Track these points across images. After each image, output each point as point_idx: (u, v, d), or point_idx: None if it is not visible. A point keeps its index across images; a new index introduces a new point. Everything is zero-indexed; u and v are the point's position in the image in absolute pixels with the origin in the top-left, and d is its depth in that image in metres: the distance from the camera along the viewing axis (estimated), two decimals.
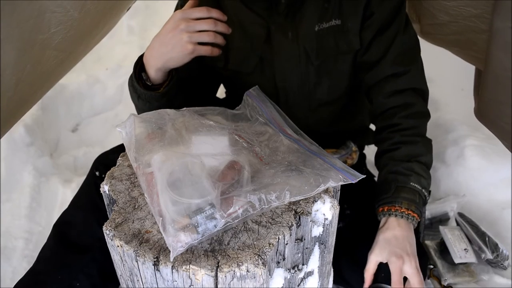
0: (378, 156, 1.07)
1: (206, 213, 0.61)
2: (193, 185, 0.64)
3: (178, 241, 0.59)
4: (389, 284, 0.92)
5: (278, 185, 0.68)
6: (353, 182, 0.71)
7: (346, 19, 1.00)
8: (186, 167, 0.67)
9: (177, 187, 0.64)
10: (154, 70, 0.94)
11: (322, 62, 1.03)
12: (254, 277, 0.60)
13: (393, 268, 0.90)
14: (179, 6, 1.08)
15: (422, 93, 1.05)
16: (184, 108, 0.85)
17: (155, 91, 0.97)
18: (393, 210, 0.95)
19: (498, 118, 0.90)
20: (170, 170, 0.66)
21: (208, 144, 0.76)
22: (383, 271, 0.99)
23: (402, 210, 0.94)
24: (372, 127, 1.28)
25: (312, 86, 1.06)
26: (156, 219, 0.63)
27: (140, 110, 1.03)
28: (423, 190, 0.97)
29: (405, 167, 0.98)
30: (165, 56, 0.91)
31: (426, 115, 1.06)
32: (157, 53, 0.92)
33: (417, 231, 1.31)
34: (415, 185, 0.96)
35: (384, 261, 0.92)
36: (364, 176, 0.72)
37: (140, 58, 0.97)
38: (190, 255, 0.61)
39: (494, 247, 1.22)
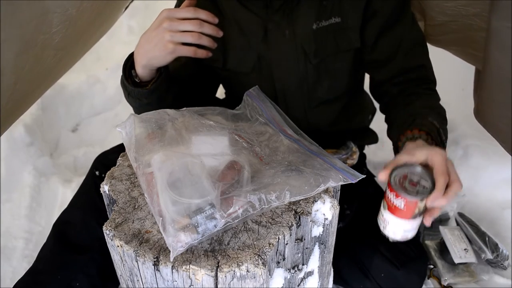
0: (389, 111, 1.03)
1: (206, 213, 0.61)
2: (193, 185, 0.64)
3: (178, 241, 0.59)
4: None
5: (278, 185, 0.68)
6: (353, 182, 0.71)
7: (346, 17, 0.98)
8: (186, 167, 0.67)
9: (177, 187, 0.64)
10: (140, 67, 0.94)
11: (321, 61, 1.02)
12: (254, 277, 0.60)
13: (438, 159, 0.74)
14: (177, 7, 1.08)
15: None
16: (184, 108, 0.85)
17: (143, 88, 0.96)
18: (409, 133, 0.86)
19: (496, 119, 0.90)
20: (170, 170, 0.66)
21: (208, 144, 0.76)
22: (383, 271, 0.99)
23: (420, 133, 0.85)
24: (373, 126, 1.28)
25: (311, 85, 1.05)
26: (156, 219, 0.63)
27: (134, 108, 1.03)
28: (441, 130, 0.89)
29: (423, 111, 0.93)
30: (148, 54, 0.91)
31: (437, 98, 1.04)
32: (142, 50, 0.92)
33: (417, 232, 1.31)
34: (433, 121, 0.89)
35: (423, 157, 0.76)
36: (364, 176, 0.72)
37: (131, 56, 0.97)
38: (190, 255, 0.61)
39: (494, 247, 1.22)
